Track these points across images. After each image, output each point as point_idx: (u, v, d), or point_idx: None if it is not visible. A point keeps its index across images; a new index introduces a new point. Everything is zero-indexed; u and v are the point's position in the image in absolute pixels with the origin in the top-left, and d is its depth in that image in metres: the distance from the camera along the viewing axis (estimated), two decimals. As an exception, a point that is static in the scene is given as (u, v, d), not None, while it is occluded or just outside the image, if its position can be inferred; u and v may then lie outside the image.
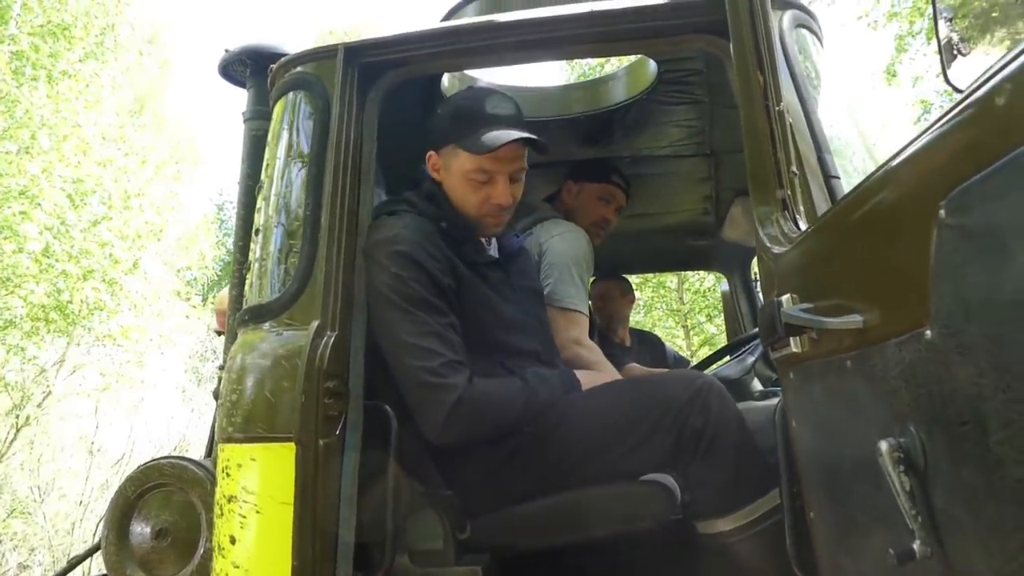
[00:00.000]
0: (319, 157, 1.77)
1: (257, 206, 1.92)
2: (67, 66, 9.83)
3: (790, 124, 1.43)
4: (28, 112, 9.18)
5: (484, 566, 1.66)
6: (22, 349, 10.05)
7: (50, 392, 10.72)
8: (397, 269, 1.68)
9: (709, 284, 11.61)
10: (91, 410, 11.87)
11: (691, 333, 12.09)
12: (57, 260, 9.24)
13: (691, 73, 2.48)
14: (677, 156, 2.98)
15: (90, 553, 2.33)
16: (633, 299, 3.87)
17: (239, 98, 2.27)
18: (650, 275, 11.59)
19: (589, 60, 10.43)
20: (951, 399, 0.76)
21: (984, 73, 0.70)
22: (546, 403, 1.72)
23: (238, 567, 1.54)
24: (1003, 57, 0.67)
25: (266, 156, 1.94)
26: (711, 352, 3.40)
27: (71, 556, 2.39)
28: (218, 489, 1.65)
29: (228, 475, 1.61)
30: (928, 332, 0.77)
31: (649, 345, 3.76)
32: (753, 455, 1.60)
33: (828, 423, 1.13)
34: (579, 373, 1.87)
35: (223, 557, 1.58)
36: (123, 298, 10.00)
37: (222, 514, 1.61)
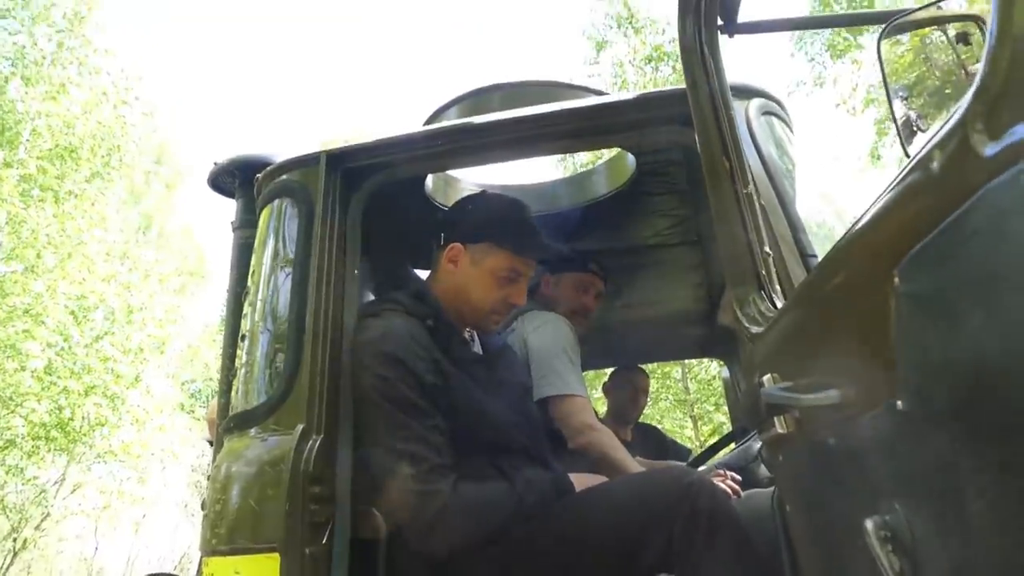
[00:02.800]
0: (303, 261, 1.79)
1: (243, 312, 1.93)
2: (73, 186, 10.10)
3: (761, 206, 1.45)
4: (34, 232, 9.37)
5: None
6: (21, 470, 9.88)
7: (48, 514, 10.47)
8: (383, 370, 1.66)
9: (714, 372, 11.49)
10: (91, 530, 11.58)
11: (699, 423, 11.87)
12: (59, 377, 9.22)
13: (669, 163, 2.54)
14: (665, 245, 3.01)
15: None
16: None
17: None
18: (654, 365, 11.49)
19: (582, 157, 10.72)
20: (929, 471, 0.73)
21: (925, 142, 0.71)
22: (535, 508, 1.67)
23: None
24: (939, 125, 0.69)
25: (252, 262, 1.96)
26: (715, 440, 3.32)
27: None
28: (202, 606, 1.58)
29: (211, 591, 1.55)
30: (899, 402, 0.76)
31: (650, 438, 3.70)
32: (750, 552, 1.53)
33: (818, 504, 1.09)
34: (573, 476, 1.83)
35: None
36: (125, 413, 9.91)
37: (205, 633, 1.54)
